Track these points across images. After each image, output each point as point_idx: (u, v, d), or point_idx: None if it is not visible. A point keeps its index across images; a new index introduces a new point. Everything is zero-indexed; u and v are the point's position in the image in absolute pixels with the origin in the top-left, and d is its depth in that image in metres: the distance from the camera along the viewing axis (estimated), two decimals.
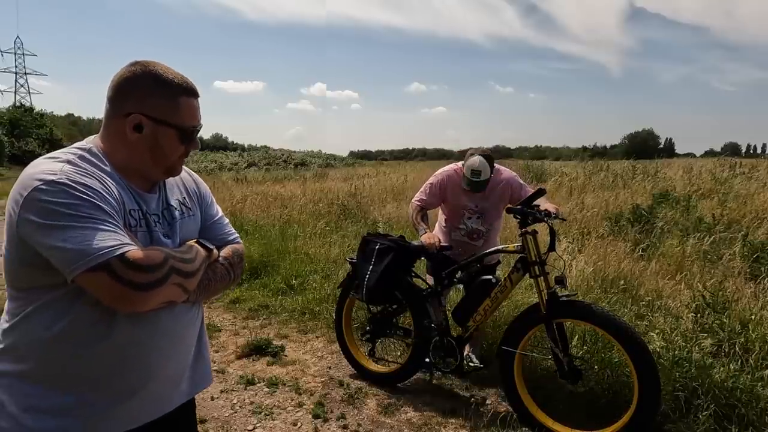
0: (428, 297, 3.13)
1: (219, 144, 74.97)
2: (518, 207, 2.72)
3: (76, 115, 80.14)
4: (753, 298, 3.74)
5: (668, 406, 2.57)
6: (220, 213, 1.43)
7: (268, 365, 3.55)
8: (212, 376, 1.44)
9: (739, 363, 2.78)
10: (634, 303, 3.76)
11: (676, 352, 2.78)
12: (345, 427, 2.78)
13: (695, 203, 7.20)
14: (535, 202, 2.78)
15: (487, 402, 3.03)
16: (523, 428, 2.67)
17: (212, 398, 3.04)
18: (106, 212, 1.04)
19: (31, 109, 46.50)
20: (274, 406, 3.00)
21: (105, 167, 1.13)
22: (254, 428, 2.77)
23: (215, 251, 1.29)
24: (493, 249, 2.99)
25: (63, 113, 72.30)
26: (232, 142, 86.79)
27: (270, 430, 2.77)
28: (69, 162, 1.08)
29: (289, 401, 3.05)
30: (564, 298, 2.57)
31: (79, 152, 1.13)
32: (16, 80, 66.08)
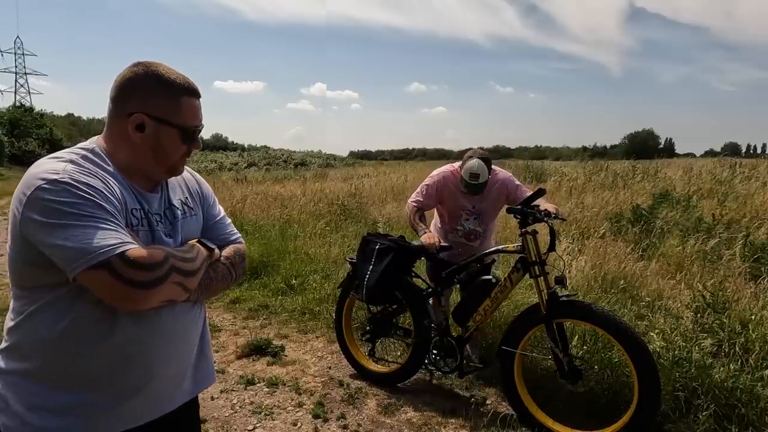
0: (428, 297, 3.13)
1: (219, 144, 75.00)
2: (518, 207, 2.73)
3: (76, 115, 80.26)
4: (753, 298, 3.74)
5: (668, 406, 2.57)
6: (223, 213, 1.44)
7: (268, 365, 3.55)
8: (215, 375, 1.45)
9: (739, 363, 2.77)
10: (634, 303, 3.76)
11: (676, 352, 2.78)
12: (345, 427, 2.79)
13: (695, 203, 7.20)
14: (535, 202, 2.78)
15: (487, 402, 3.03)
16: (523, 428, 2.67)
17: (212, 398, 3.05)
18: (108, 211, 1.05)
19: (31, 109, 46.46)
20: (274, 406, 3.00)
21: (108, 167, 1.15)
22: (254, 428, 2.78)
23: (217, 251, 1.30)
24: (493, 249, 2.99)
25: (63, 113, 72.39)
26: (232, 142, 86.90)
27: (270, 430, 2.77)
28: (72, 162, 1.09)
29: (289, 401, 3.05)
30: (564, 298, 2.57)
31: (83, 152, 1.14)
32: (16, 80, 66.09)
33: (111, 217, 1.05)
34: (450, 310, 3.17)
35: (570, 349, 2.67)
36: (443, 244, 3.06)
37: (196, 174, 1.44)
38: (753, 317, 3.19)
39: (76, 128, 61.60)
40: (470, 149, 3.21)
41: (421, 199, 3.30)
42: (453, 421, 2.82)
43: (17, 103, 52.35)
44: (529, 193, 3.26)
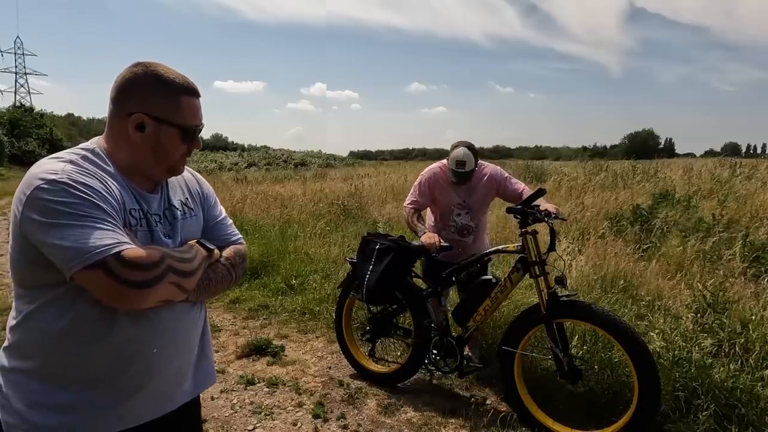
0: (428, 297, 3.13)
1: (219, 144, 75.01)
2: (518, 207, 2.73)
3: (76, 115, 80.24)
4: (753, 298, 3.74)
5: (668, 406, 2.57)
6: (224, 213, 1.44)
7: (268, 365, 3.55)
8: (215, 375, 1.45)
9: (739, 363, 2.77)
10: (634, 303, 3.76)
11: (676, 352, 2.78)
12: (345, 427, 2.79)
13: (696, 203, 7.19)
14: (535, 202, 2.78)
15: (487, 402, 3.03)
16: (523, 428, 2.67)
17: (212, 398, 3.05)
18: (106, 211, 1.06)
19: (31, 109, 46.45)
20: (274, 406, 3.00)
21: (107, 167, 1.15)
22: (254, 428, 2.78)
23: (216, 251, 1.30)
24: (493, 249, 2.99)
25: (63, 113, 72.32)
26: (232, 142, 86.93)
27: (270, 430, 2.77)
28: (71, 162, 1.10)
29: (289, 401, 3.05)
30: (564, 298, 2.57)
31: (83, 152, 1.15)
32: (16, 80, 66.03)
33: (108, 217, 1.06)
34: (448, 310, 3.17)
35: (570, 349, 2.67)
36: (443, 244, 3.06)
37: (197, 174, 1.44)
38: (753, 317, 3.19)
39: (76, 128, 61.59)
40: (456, 141, 3.24)
41: (416, 199, 3.32)
42: (453, 421, 2.82)
43: (17, 103, 52.34)
44: (520, 184, 3.28)
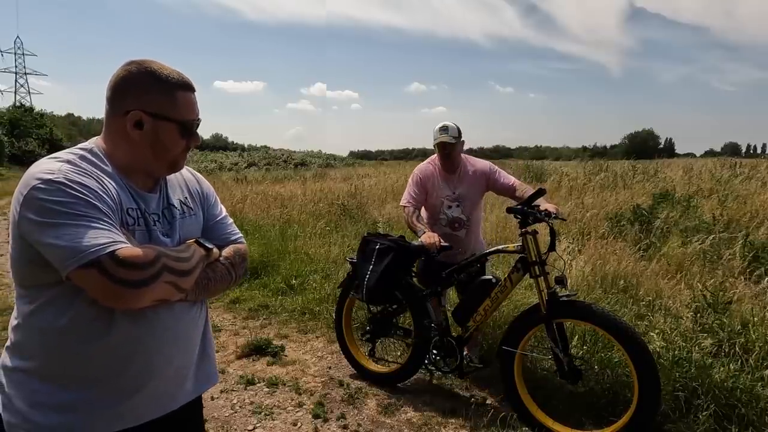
0: (428, 297, 3.13)
1: (219, 144, 75.02)
2: (518, 207, 2.73)
3: (76, 115, 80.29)
4: (753, 298, 3.74)
5: (668, 406, 2.57)
6: (224, 213, 1.43)
7: (268, 365, 3.55)
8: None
9: (739, 363, 2.77)
10: (634, 303, 3.76)
11: (676, 352, 2.78)
12: (345, 427, 2.79)
13: (696, 203, 7.19)
14: (535, 202, 2.78)
15: (487, 402, 3.03)
16: (523, 428, 2.67)
17: (212, 398, 3.04)
18: (102, 211, 1.06)
19: (31, 109, 46.49)
20: (274, 406, 3.00)
21: (105, 167, 1.15)
22: (254, 428, 2.77)
23: (215, 251, 1.29)
24: (493, 249, 2.99)
25: (63, 113, 72.39)
26: (232, 142, 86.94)
27: (270, 430, 2.77)
28: (68, 162, 1.10)
29: (289, 401, 3.05)
30: (564, 298, 2.57)
31: (81, 152, 1.15)
32: (16, 80, 66.14)
33: (104, 217, 1.06)
34: (448, 310, 3.17)
35: (570, 349, 2.67)
36: (444, 244, 3.06)
37: (197, 174, 1.44)
38: (753, 317, 3.19)
39: (76, 128, 61.63)
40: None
41: (413, 196, 3.32)
42: (453, 421, 2.82)
43: (17, 103, 52.40)
44: (510, 177, 3.29)
